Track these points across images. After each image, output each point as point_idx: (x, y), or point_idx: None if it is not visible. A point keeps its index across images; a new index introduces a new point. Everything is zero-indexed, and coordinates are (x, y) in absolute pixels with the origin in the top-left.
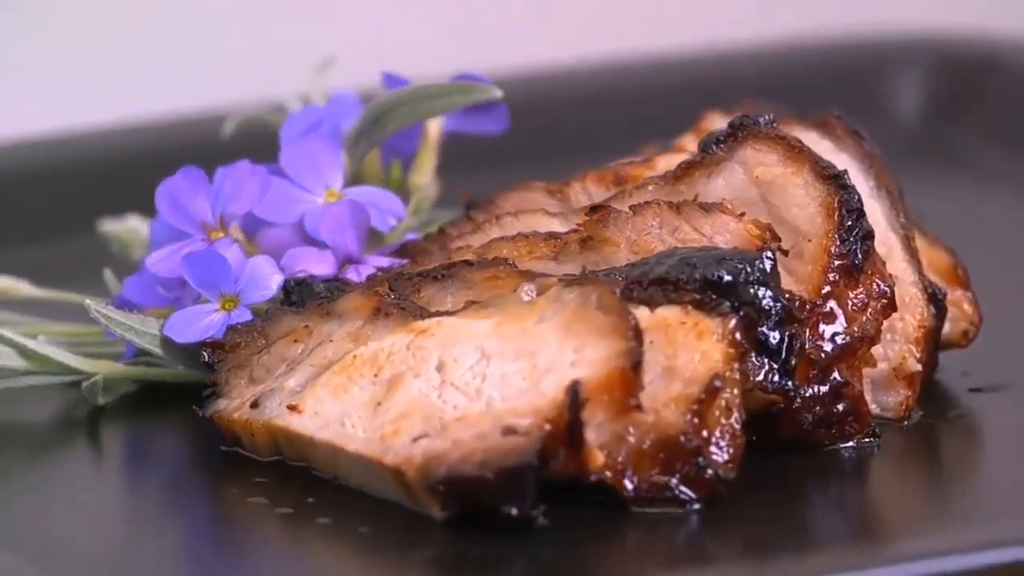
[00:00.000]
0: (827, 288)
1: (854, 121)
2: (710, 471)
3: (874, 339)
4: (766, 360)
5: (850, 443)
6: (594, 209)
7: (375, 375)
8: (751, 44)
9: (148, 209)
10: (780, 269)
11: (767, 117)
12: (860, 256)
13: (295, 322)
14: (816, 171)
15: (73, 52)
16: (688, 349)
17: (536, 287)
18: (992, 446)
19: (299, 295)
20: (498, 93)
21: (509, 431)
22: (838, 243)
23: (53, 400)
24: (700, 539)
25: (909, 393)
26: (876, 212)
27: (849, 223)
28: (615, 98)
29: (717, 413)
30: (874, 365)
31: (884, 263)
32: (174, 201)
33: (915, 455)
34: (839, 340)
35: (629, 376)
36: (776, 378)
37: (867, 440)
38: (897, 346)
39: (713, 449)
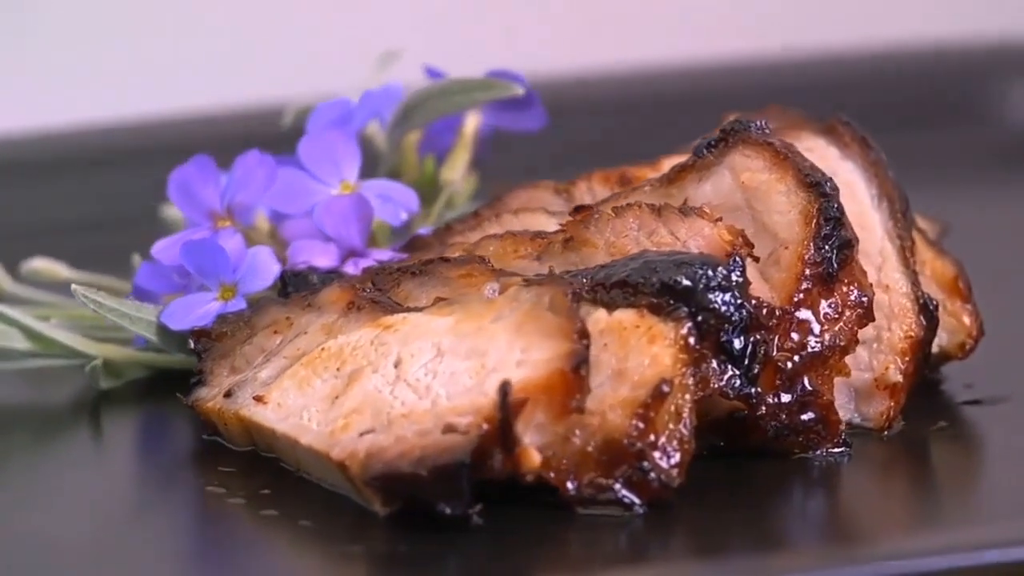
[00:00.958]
0: (800, 296)
1: (863, 128)
2: (654, 475)
3: (847, 348)
4: (729, 366)
5: (820, 451)
6: (577, 210)
7: (337, 369)
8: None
9: None
10: (757, 276)
11: (760, 123)
12: (835, 265)
13: (279, 313)
14: (799, 178)
15: (137, 43)
16: (639, 353)
17: (499, 286)
18: (969, 457)
19: (295, 286)
20: (519, 91)
21: (449, 429)
22: (813, 251)
23: (68, 383)
24: (644, 540)
25: (891, 403)
26: (874, 221)
27: (826, 231)
28: (672, 101)
29: (665, 418)
30: (848, 375)
31: (864, 272)
32: (185, 189)
33: (887, 464)
34: (809, 348)
35: (569, 378)
36: (738, 384)
37: (838, 449)
38: (882, 356)
39: (658, 454)
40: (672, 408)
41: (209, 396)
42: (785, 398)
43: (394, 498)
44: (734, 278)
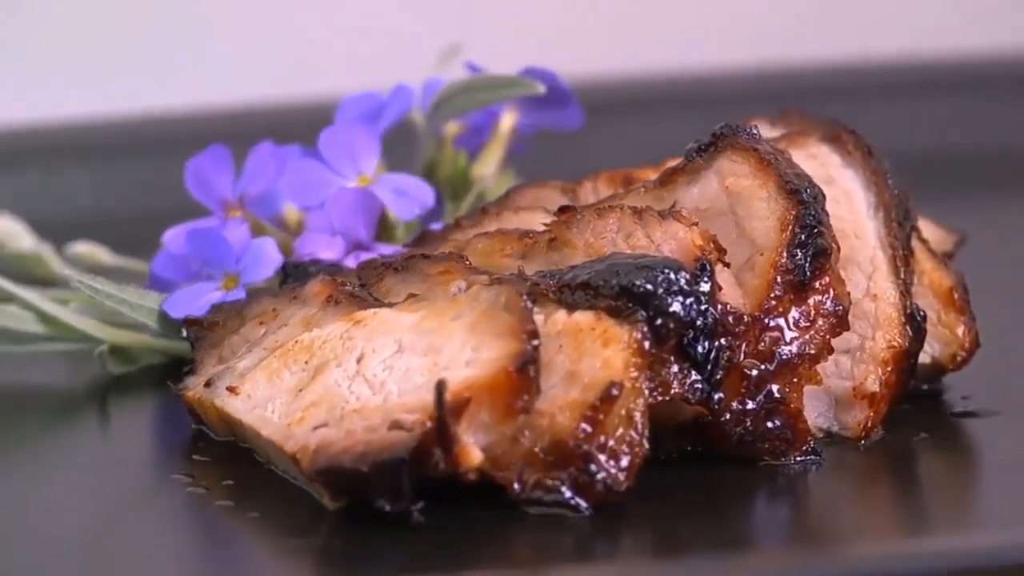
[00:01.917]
0: (770, 303)
1: (867, 137)
2: (600, 478)
3: (817, 357)
4: (691, 371)
5: (789, 459)
6: (562, 210)
7: (306, 362)
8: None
9: None
10: (731, 281)
11: (749, 128)
12: (808, 273)
13: (268, 304)
14: (779, 185)
15: (196, 32)
16: (592, 355)
17: (466, 284)
18: (944, 467)
19: (295, 278)
20: (541, 89)
21: (396, 426)
22: (786, 258)
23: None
24: (591, 540)
25: (870, 413)
26: (868, 230)
27: (801, 239)
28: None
29: (616, 421)
30: (819, 383)
31: (843, 282)
32: (200, 178)
33: (857, 472)
34: (777, 356)
35: (514, 378)
36: (700, 390)
37: (806, 457)
38: (864, 365)
39: (605, 457)
40: (623, 412)
41: (193, 385)
42: (751, 404)
43: (340, 493)
44: (697, 283)
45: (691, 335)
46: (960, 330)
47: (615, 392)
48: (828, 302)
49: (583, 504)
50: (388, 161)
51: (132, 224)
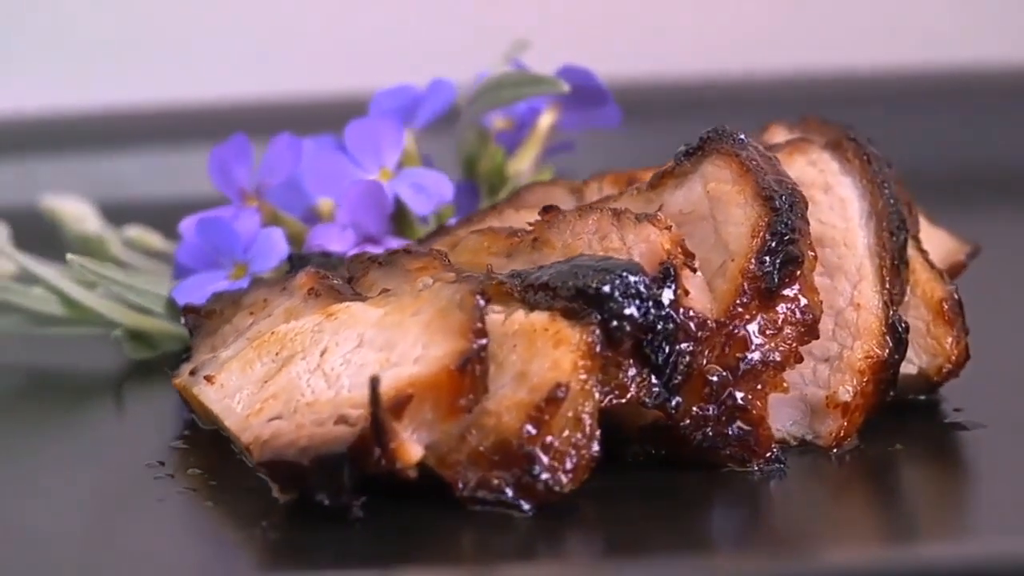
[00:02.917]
0: (737, 309)
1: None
2: (542, 480)
3: (783, 365)
4: (650, 375)
5: (752, 466)
6: (546, 210)
7: (276, 354)
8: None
9: None
10: (703, 286)
11: (737, 133)
12: (776, 280)
13: (260, 294)
14: (756, 191)
15: (270, 22)
16: (543, 356)
17: (432, 281)
18: (910, 479)
19: (299, 269)
20: (565, 88)
21: (341, 420)
22: (755, 265)
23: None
24: (533, 539)
25: (843, 422)
26: (858, 238)
27: (771, 246)
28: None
29: (562, 423)
30: (785, 391)
31: (816, 291)
32: (221, 167)
33: (821, 480)
34: (741, 362)
35: (455, 377)
36: (657, 393)
37: (771, 465)
38: (840, 374)
39: (548, 458)
40: (570, 414)
41: (183, 372)
42: (712, 410)
43: (285, 485)
44: (659, 287)
45: (651, 339)
46: (948, 342)
47: (560, 394)
48: (797, 310)
49: (526, 504)
50: (435, 153)
51: (191, 210)
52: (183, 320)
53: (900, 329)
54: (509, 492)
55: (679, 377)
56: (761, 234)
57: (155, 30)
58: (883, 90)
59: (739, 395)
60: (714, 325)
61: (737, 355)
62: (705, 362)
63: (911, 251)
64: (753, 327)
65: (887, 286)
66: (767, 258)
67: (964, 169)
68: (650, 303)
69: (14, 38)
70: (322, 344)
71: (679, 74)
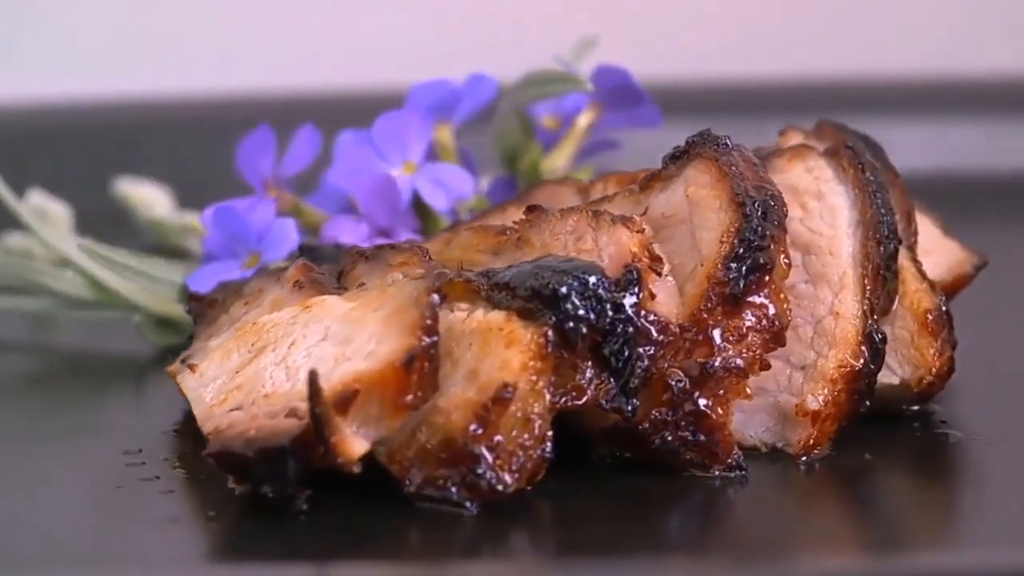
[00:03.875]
0: (701, 314)
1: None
2: (485, 479)
3: (746, 371)
4: (607, 377)
5: (713, 471)
6: (530, 209)
7: (252, 344)
8: None
9: None
10: (674, 291)
11: (722, 138)
12: (741, 286)
13: (257, 284)
14: (730, 197)
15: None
16: (494, 355)
17: (401, 277)
18: (877, 490)
19: (309, 259)
20: (588, 87)
21: (291, 414)
22: (721, 270)
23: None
24: (477, 537)
25: (813, 431)
26: (843, 247)
27: (738, 252)
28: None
29: (510, 423)
30: (748, 398)
31: (785, 299)
32: (248, 157)
33: (784, 489)
34: (703, 367)
35: (400, 373)
36: (614, 396)
37: (732, 471)
38: (812, 383)
39: (493, 458)
40: (519, 414)
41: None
42: (671, 414)
43: (235, 476)
44: (620, 289)
45: (609, 341)
46: (930, 353)
47: (507, 394)
48: (764, 318)
49: (469, 503)
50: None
51: None
52: (187, 308)
53: (877, 339)
54: (454, 490)
55: (637, 381)
56: (730, 240)
57: (221, 20)
58: (924, 96)
59: (701, 400)
60: (677, 330)
61: (699, 360)
62: (667, 366)
63: (904, 261)
64: (717, 333)
65: (868, 295)
66: (733, 264)
67: (989, 178)
68: (608, 305)
69: (98, 30)
70: (292, 336)
71: (730, 74)
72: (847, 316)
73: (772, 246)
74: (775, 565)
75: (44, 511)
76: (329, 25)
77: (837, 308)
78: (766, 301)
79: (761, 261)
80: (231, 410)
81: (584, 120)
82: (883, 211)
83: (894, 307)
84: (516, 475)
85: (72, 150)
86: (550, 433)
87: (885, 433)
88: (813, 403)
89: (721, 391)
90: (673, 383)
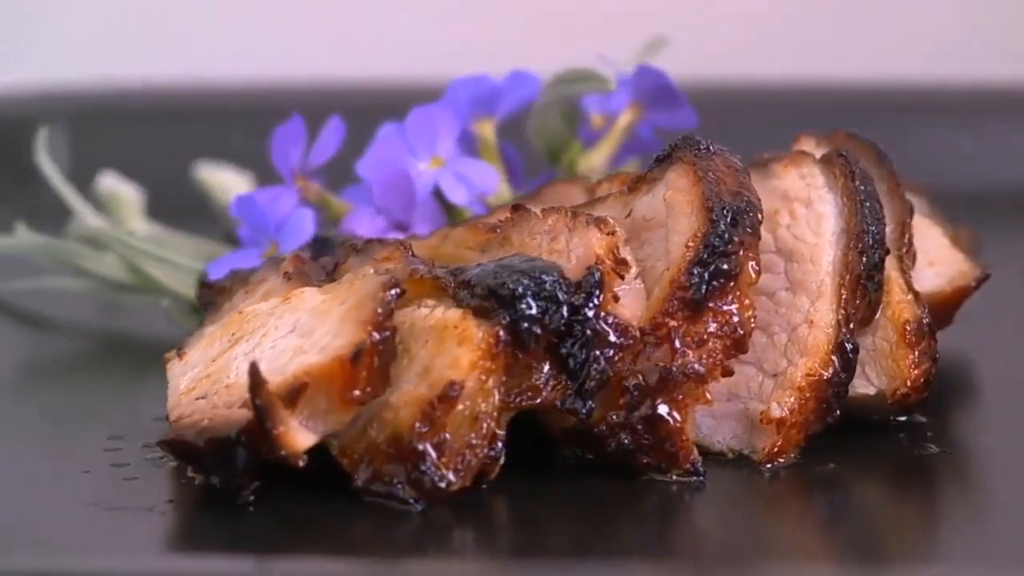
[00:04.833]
0: (661, 318)
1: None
2: (430, 476)
3: (705, 377)
4: (565, 379)
5: (670, 475)
6: (514, 208)
7: (232, 334)
8: None
9: None
10: (641, 294)
11: (704, 142)
12: (703, 292)
13: (262, 274)
14: (700, 202)
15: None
16: (446, 353)
17: (372, 271)
18: (833, 501)
19: (319, 250)
20: (611, 86)
21: (245, 404)
22: (683, 275)
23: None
24: (420, 535)
25: (777, 439)
26: (823, 255)
27: (702, 258)
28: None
29: (458, 421)
30: (708, 403)
31: (751, 306)
32: (280, 147)
33: (744, 496)
34: (661, 372)
35: (347, 368)
36: (570, 397)
37: (689, 476)
38: (780, 390)
39: (438, 455)
40: (467, 412)
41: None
42: (628, 417)
43: (190, 465)
44: (581, 292)
45: (566, 343)
46: (906, 365)
47: (453, 392)
48: (726, 325)
49: (415, 500)
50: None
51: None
52: (197, 295)
53: (848, 349)
54: (400, 487)
55: (593, 383)
56: (695, 245)
57: (307, 8)
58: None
59: (659, 405)
60: (638, 333)
61: (658, 364)
62: (626, 370)
63: (892, 272)
64: (677, 338)
65: (844, 305)
66: (697, 270)
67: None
68: (564, 307)
69: (188, 16)
70: (266, 328)
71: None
72: (821, 325)
73: (741, 253)
74: (731, 573)
75: (2, 494)
76: (416, 16)
77: (812, 316)
78: (729, 308)
79: (725, 267)
80: (196, 399)
81: (624, 119)
82: (869, 221)
83: (877, 317)
84: (460, 474)
85: (158, 133)
86: (501, 432)
87: (860, 443)
88: (777, 411)
89: (679, 396)
90: (630, 386)
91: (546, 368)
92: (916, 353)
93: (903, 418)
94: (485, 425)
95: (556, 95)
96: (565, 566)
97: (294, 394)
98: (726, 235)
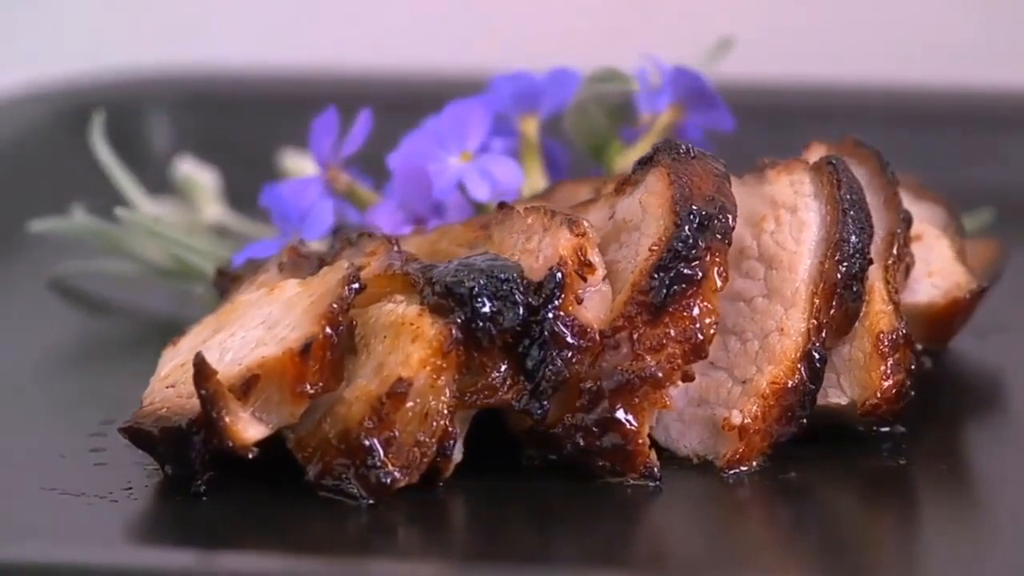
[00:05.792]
0: (621, 321)
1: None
2: (376, 472)
3: (662, 381)
4: (522, 379)
5: (628, 479)
6: (500, 206)
7: (218, 323)
8: None
9: None
10: (607, 297)
11: (683, 145)
12: (663, 296)
13: (271, 263)
14: (670, 207)
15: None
16: (399, 350)
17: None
18: (786, 510)
19: (334, 241)
20: (635, 87)
21: None
22: (644, 279)
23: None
24: (367, 533)
25: (739, 446)
26: (801, 263)
27: (664, 262)
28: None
29: (408, 417)
30: (667, 407)
31: (712, 311)
32: (315, 138)
33: (697, 500)
34: (618, 375)
35: (296, 361)
36: (525, 398)
37: (645, 481)
38: (745, 397)
39: (385, 452)
40: (417, 409)
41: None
42: (584, 419)
43: (148, 453)
44: (540, 292)
45: (523, 343)
46: (877, 376)
47: (400, 388)
48: (685, 330)
49: (362, 495)
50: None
51: None
52: (214, 283)
53: (816, 359)
54: (350, 481)
55: (547, 384)
56: (657, 249)
57: None
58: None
59: (617, 408)
60: (597, 336)
61: (615, 367)
62: (584, 372)
63: (876, 282)
64: (636, 341)
65: (817, 314)
66: (658, 274)
67: None
68: (521, 307)
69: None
70: (245, 318)
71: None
72: (791, 333)
73: (707, 258)
74: None
75: None
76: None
77: (784, 324)
78: (690, 313)
79: (687, 272)
80: (167, 387)
81: (663, 120)
82: (851, 230)
83: (856, 327)
84: (407, 471)
85: (264, 119)
86: (455, 431)
87: (832, 453)
88: (737, 417)
89: (637, 400)
90: (586, 388)
91: (503, 367)
92: (889, 364)
93: (885, 429)
94: (435, 423)
95: (589, 93)
96: (509, 572)
97: (246, 386)
98: (690, 240)
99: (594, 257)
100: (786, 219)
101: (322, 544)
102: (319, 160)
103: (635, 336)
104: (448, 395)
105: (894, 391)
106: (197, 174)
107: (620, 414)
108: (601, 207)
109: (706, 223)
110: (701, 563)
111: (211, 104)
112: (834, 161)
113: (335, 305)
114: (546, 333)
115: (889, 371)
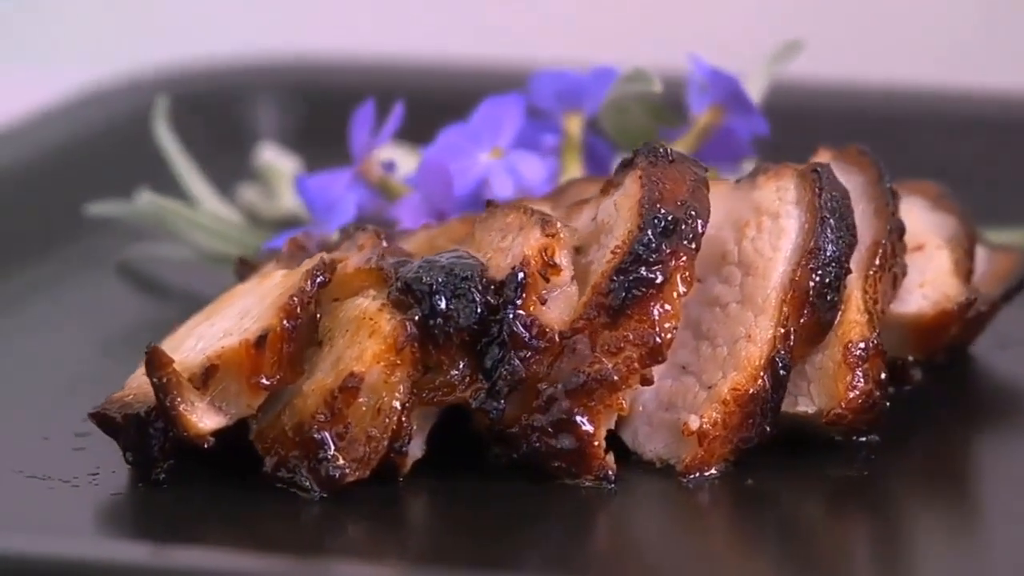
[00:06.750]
0: (580, 323)
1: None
2: (326, 466)
3: (618, 384)
4: (480, 378)
5: (582, 480)
6: (487, 204)
7: (210, 312)
8: None
9: None
10: (570, 298)
11: (664, 150)
12: (620, 300)
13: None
14: (638, 211)
15: None
16: (356, 344)
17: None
18: (746, 516)
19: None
20: (658, 88)
21: None
22: (605, 282)
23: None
24: (317, 530)
25: (699, 451)
26: (775, 269)
27: (625, 265)
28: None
29: (361, 412)
30: (623, 410)
31: (673, 316)
32: (355, 130)
33: (654, 505)
34: (575, 377)
35: (251, 353)
36: (481, 397)
37: (600, 482)
38: (708, 403)
39: (336, 445)
40: (371, 404)
41: None
42: (540, 420)
43: (116, 440)
44: (494, 291)
45: (480, 341)
46: (843, 386)
47: (352, 383)
48: (643, 333)
49: (314, 488)
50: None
51: None
52: (235, 272)
53: (780, 366)
54: (303, 474)
55: (504, 383)
56: (619, 252)
57: None
58: None
59: (573, 410)
60: (557, 337)
61: (572, 369)
62: (542, 373)
63: (855, 291)
64: (592, 343)
65: (785, 322)
66: (618, 277)
67: None
68: (479, 306)
69: None
70: (229, 308)
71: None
72: (757, 340)
73: (671, 262)
74: None
75: None
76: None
77: (752, 331)
78: (649, 317)
79: (648, 276)
80: (144, 374)
81: (702, 121)
82: (828, 238)
83: (829, 336)
84: (355, 466)
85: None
86: (411, 427)
87: (797, 462)
88: (695, 422)
89: (592, 402)
90: (542, 389)
91: (462, 365)
92: (856, 374)
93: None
94: (388, 419)
95: (623, 91)
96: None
97: (205, 375)
98: (652, 244)
99: (561, 258)
100: (767, 225)
101: (273, 540)
102: (356, 152)
103: (593, 338)
104: (403, 391)
105: (859, 401)
106: (278, 161)
107: (576, 416)
108: (591, 208)
109: (672, 227)
110: (650, 568)
111: (315, 92)
112: (819, 168)
113: (295, 298)
114: (505, 333)
115: (857, 381)
